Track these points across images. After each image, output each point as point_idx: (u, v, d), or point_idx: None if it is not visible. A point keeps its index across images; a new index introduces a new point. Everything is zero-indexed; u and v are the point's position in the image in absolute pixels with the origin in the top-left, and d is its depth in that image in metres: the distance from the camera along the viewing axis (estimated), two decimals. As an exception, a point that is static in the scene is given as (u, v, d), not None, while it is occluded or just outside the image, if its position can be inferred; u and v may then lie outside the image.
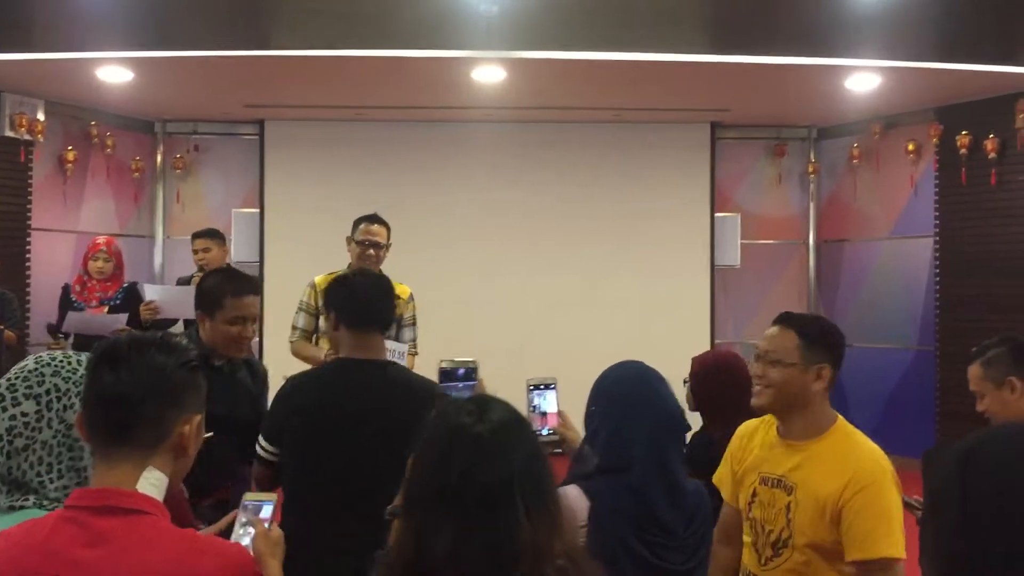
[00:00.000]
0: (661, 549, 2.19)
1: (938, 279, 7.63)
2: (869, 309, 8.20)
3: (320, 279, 4.44)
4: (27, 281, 7.23)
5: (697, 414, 3.25)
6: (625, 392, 2.35)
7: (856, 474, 2.29)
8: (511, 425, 1.56)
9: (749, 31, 5.80)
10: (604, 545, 2.10)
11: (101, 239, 6.08)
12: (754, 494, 2.48)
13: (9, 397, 1.69)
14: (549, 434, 2.53)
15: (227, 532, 1.88)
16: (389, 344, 3.88)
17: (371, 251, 4.38)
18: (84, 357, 1.76)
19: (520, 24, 5.49)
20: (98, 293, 5.81)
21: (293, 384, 2.82)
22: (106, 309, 5.78)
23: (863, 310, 8.27)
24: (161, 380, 1.57)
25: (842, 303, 8.49)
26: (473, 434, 1.50)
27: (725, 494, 2.63)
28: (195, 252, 5.87)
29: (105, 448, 1.56)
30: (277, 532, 1.79)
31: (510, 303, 8.01)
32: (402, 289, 4.47)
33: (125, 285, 5.93)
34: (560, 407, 2.59)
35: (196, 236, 5.96)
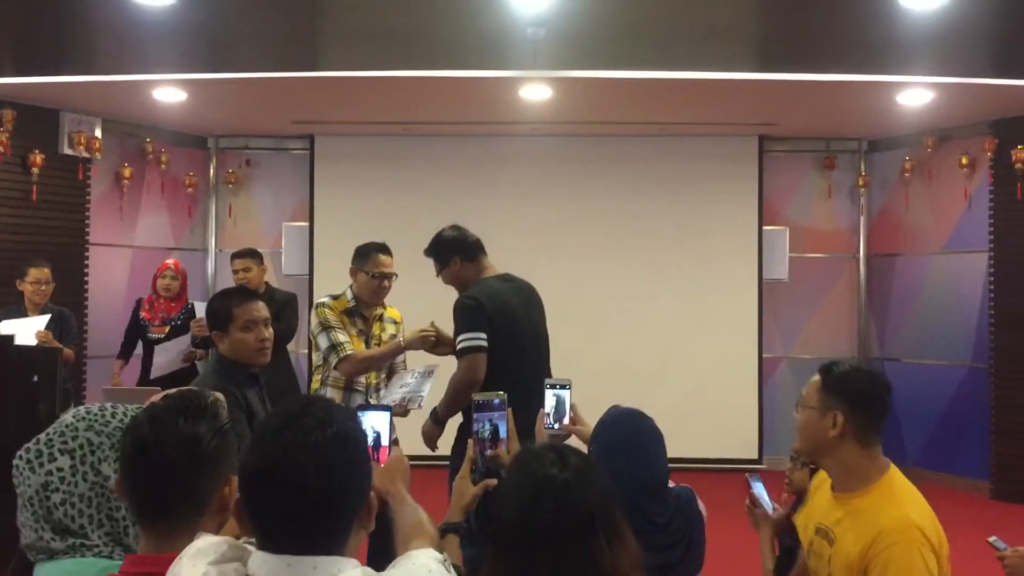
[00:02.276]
0: None
1: (992, 295, 7.48)
2: (921, 325, 8.08)
3: (332, 302, 4.35)
4: (85, 295, 7.41)
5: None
6: (614, 445, 2.45)
7: (882, 533, 2.23)
8: (588, 469, 1.77)
9: (798, 49, 5.76)
10: None
11: (170, 261, 6.42)
12: (811, 544, 2.48)
13: (46, 453, 1.75)
14: (558, 429, 2.85)
15: None
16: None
17: (386, 283, 4.33)
18: (120, 411, 1.82)
19: (567, 45, 5.50)
20: (162, 314, 6.08)
21: (481, 293, 3.86)
22: (167, 329, 6.02)
23: (915, 326, 8.14)
24: (195, 455, 1.58)
25: (893, 318, 8.37)
26: (560, 482, 1.71)
27: (801, 538, 2.61)
28: (236, 272, 6.04)
29: (150, 521, 1.58)
30: (402, 454, 2.12)
31: (555, 317, 7.98)
32: (397, 314, 4.51)
33: (189, 304, 6.17)
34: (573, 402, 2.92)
35: (236, 256, 6.12)
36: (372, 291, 4.32)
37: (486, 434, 2.43)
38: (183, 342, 5.95)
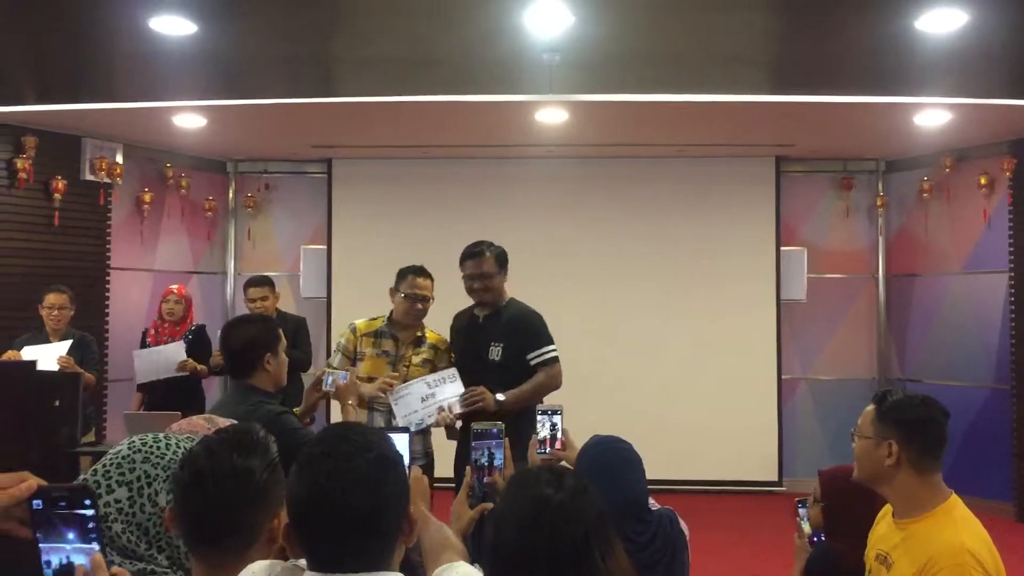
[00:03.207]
0: None
1: (1013, 315, 7.43)
2: (941, 345, 8.02)
3: (361, 323, 4.43)
4: (106, 319, 7.48)
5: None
6: (594, 469, 2.51)
7: (934, 557, 2.24)
8: (583, 489, 1.83)
9: (815, 71, 5.75)
10: None
11: (174, 286, 6.46)
12: (870, 571, 2.50)
13: (104, 484, 1.76)
14: (548, 454, 2.98)
15: None
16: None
17: (418, 305, 4.36)
18: (174, 442, 1.83)
19: (582, 70, 5.53)
20: (167, 338, 6.13)
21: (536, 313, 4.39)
22: None
23: (935, 346, 8.09)
24: (248, 488, 1.62)
25: (913, 339, 8.32)
26: (557, 502, 1.77)
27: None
28: (252, 300, 6.02)
29: (202, 553, 1.62)
30: (421, 475, 2.18)
31: (573, 339, 7.98)
32: (441, 339, 4.51)
33: (193, 327, 6.22)
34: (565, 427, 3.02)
35: (252, 285, 6.11)
36: (404, 312, 4.37)
37: (483, 461, 2.57)
38: (170, 352, 5.98)
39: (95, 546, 1.21)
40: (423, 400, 4.18)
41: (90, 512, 1.23)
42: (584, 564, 1.73)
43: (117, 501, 1.74)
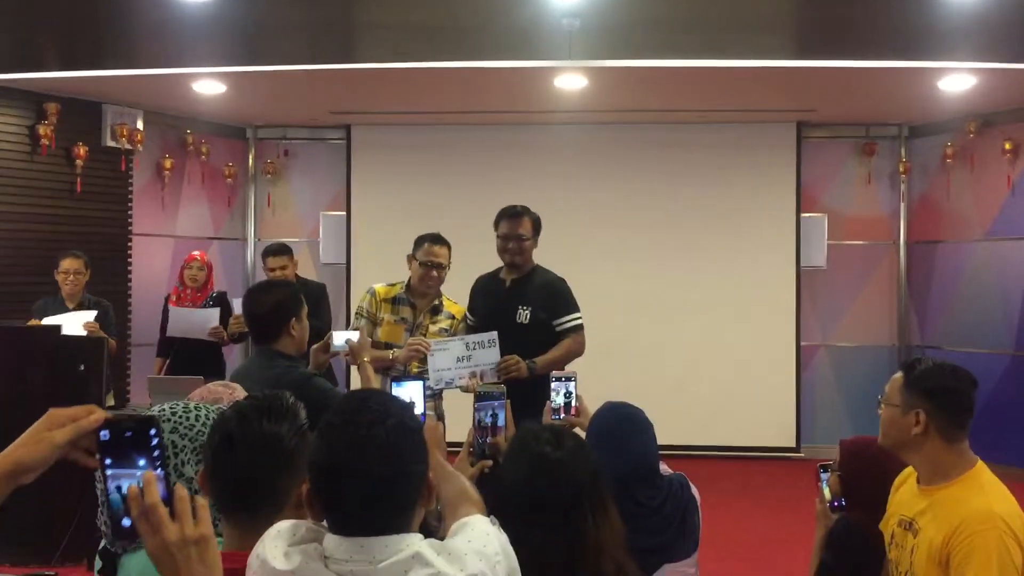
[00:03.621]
0: None
1: (1036, 283, 7.37)
2: (963, 313, 7.98)
3: (380, 288, 4.42)
4: (128, 284, 7.56)
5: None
6: (604, 435, 2.58)
7: (964, 522, 2.24)
8: (579, 450, 1.97)
9: (838, 36, 5.69)
10: None
11: (196, 252, 6.48)
12: (892, 536, 2.49)
13: None
14: (562, 420, 3.03)
15: None
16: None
17: (434, 272, 4.32)
18: (203, 412, 1.86)
19: (602, 35, 5.49)
20: (188, 304, 6.16)
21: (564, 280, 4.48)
22: None
23: (956, 314, 8.04)
24: (276, 453, 1.66)
25: (934, 306, 8.27)
26: (554, 460, 1.91)
27: (887, 544, 2.61)
28: (271, 270, 5.88)
29: (232, 515, 1.66)
30: (436, 423, 2.23)
31: (591, 305, 7.98)
32: (458, 309, 4.49)
33: (214, 293, 6.28)
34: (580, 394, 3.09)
35: (271, 254, 5.95)
36: (420, 278, 4.35)
37: (487, 422, 2.69)
38: (207, 316, 6.04)
39: (160, 471, 1.28)
40: (459, 360, 4.13)
41: (155, 441, 1.29)
42: (576, 522, 1.83)
43: None
